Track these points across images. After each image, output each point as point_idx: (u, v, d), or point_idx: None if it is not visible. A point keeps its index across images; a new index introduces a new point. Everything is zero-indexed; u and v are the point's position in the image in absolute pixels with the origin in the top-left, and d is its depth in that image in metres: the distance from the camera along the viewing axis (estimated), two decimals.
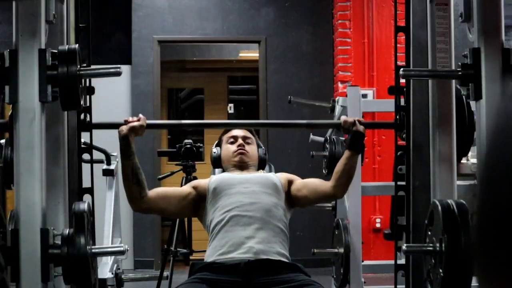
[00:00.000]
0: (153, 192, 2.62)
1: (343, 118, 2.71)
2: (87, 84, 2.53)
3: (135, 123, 2.54)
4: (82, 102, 2.21)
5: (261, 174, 2.84)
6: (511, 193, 0.32)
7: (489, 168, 0.35)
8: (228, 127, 3.03)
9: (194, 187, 2.73)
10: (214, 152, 2.95)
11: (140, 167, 2.55)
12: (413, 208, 2.60)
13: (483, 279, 0.36)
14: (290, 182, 2.78)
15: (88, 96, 2.56)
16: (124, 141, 2.52)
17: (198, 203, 2.72)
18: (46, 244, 2.00)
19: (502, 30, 2.14)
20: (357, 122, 2.64)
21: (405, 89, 2.65)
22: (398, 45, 2.67)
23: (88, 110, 2.58)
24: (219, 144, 2.97)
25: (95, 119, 2.63)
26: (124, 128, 2.53)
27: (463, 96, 2.53)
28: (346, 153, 2.67)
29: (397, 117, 2.67)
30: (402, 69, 2.36)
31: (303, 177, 2.85)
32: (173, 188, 2.81)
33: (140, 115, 2.59)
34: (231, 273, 2.45)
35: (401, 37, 2.63)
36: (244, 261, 2.47)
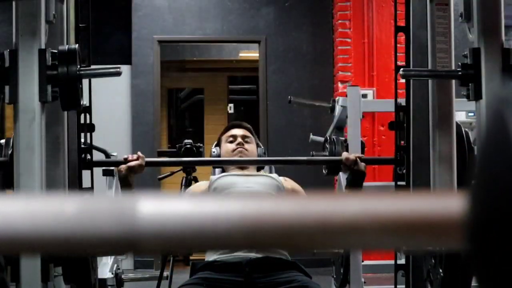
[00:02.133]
0: None
1: (344, 155, 2.64)
2: (88, 84, 2.54)
3: (134, 163, 2.51)
4: (82, 102, 2.21)
5: (263, 174, 2.83)
6: (508, 193, 0.32)
7: (488, 169, 0.35)
8: (231, 165, 2.88)
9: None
10: (214, 152, 2.94)
11: None
12: None
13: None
14: (294, 193, 2.76)
15: (88, 96, 2.56)
16: (124, 181, 2.51)
17: None
18: None
19: (502, 30, 2.14)
20: (358, 160, 2.59)
21: (405, 89, 2.65)
22: (398, 45, 2.67)
23: (88, 110, 2.58)
24: (218, 144, 2.97)
25: (95, 119, 2.63)
26: (123, 169, 2.50)
27: (464, 134, 2.52)
28: (347, 190, 2.66)
29: (397, 153, 2.64)
30: (402, 69, 2.36)
31: (303, 177, 2.85)
32: None
33: (139, 153, 2.55)
34: (233, 271, 2.45)
35: (401, 37, 2.63)
36: (246, 259, 2.47)
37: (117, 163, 2.52)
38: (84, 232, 0.41)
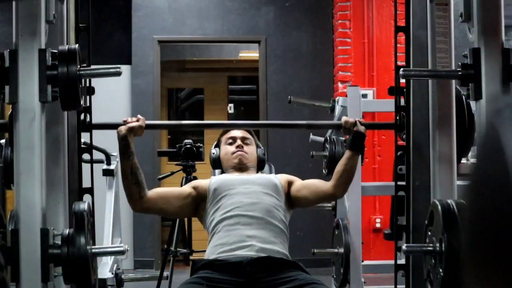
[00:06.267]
0: (152, 192, 2.62)
1: (344, 118, 2.71)
2: (87, 84, 2.54)
3: (134, 124, 2.54)
4: (82, 102, 2.21)
5: (262, 175, 2.84)
6: (506, 191, 0.32)
7: (488, 168, 0.35)
8: (228, 128, 3.02)
9: (194, 187, 2.73)
10: (213, 153, 2.94)
11: (139, 167, 2.55)
12: (413, 208, 2.60)
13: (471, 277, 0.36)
14: (290, 183, 2.78)
15: (88, 96, 2.56)
16: (123, 142, 2.52)
17: (198, 203, 2.72)
18: (46, 244, 2.00)
19: (502, 30, 2.14)
20: (358, 122, 2.64)
21: (405, 89, 2.65)
22: (398, 45, 2.67)
23: (88, 110, 2.58)
24: (218, 145, 2.96)
25: (95, 119, 2.63)
26: (123, 129, 2.52)
27: (463, 97, 2.53)
28: (347, 153, 2.67)
29: (397, 117, 2.68)
30: (402, 69, 2.36)
31: (303, 177, 2.85)
32: (172, 188, 2.80)
33: (139, 116, 2.59)
34: (233, 271, 2.44)
35: (401, 37, 2.63)
36: (247, 259, 2.47)
37: (117, 125, 2.53)
38: None
